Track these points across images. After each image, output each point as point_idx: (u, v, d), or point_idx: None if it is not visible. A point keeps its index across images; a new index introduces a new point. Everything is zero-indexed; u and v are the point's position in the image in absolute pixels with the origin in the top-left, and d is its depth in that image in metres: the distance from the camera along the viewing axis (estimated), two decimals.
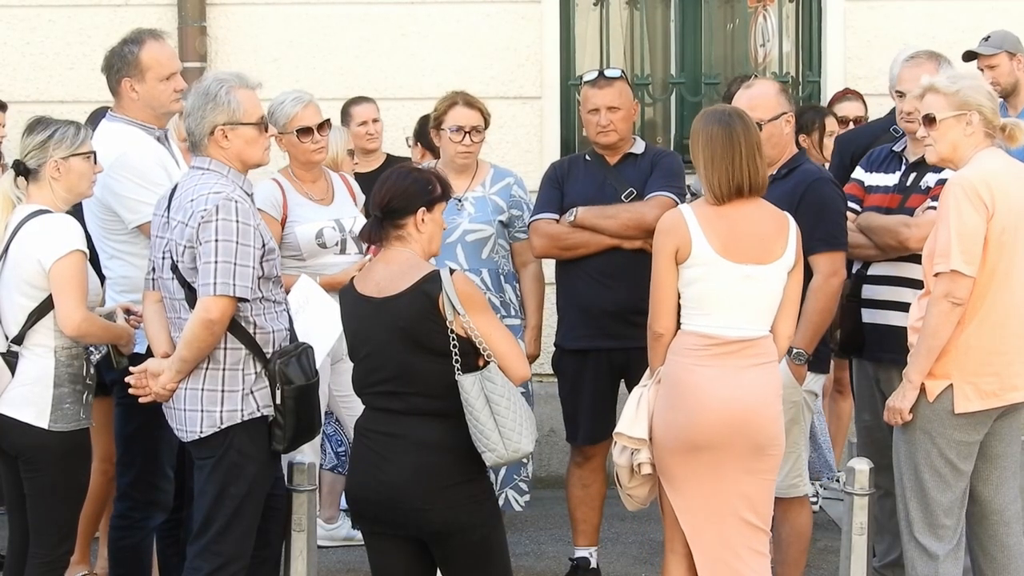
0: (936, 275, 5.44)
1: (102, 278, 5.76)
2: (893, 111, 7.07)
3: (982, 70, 7.39)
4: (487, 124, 6.86)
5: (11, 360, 5.40)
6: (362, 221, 6.39)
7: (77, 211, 5.75)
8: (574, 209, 6.54)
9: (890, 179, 6.19)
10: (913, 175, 6.12)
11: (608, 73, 6.72)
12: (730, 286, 5.22)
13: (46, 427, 5.39)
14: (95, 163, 5.54)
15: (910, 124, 6.10)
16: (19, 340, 5.41)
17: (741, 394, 5.22)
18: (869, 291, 6.16)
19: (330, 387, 6.46)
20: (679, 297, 5.29)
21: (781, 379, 5.41)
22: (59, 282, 5.34)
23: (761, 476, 5.31)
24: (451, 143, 6.77)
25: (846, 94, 8.14)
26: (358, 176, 7.36)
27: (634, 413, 5.31)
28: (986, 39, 7.49)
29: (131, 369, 5.40)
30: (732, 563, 5.30)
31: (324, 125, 6.58)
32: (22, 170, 5.48)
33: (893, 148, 6.27)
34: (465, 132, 6.75)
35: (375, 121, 8.20)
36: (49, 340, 5.42)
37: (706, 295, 5.24)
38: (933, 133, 5.57)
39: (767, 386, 5.29)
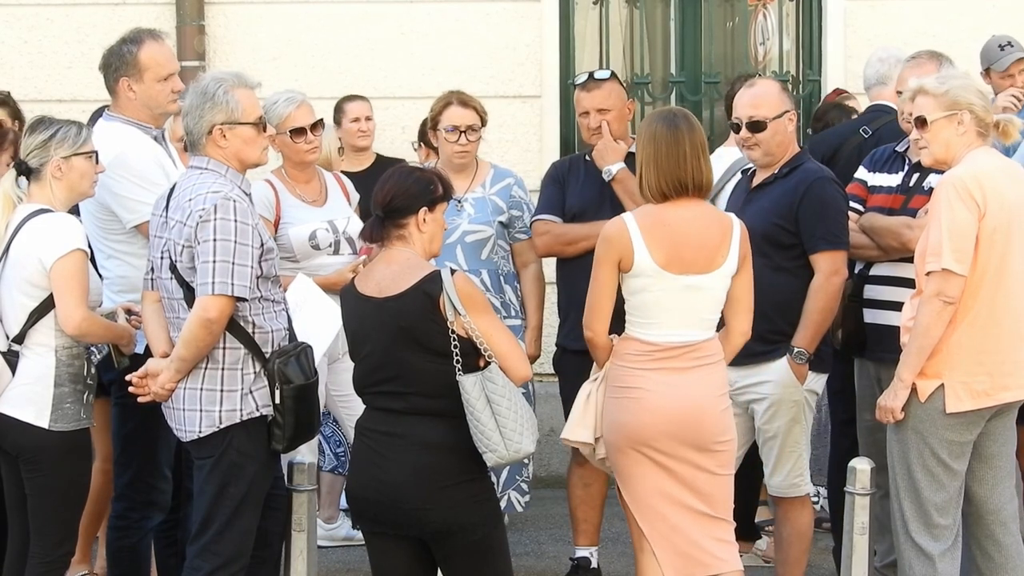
0: (928, 274, 5.44)
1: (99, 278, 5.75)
2: (866, 111, 7.11)
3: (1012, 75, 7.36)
4: (484, 123, 6.85)
5: (12, 359, 5.40)
6: (355, 221, 6.41)
7: (73, 211, 5.73)
8: (615, 167, 6.50)
9: (893, 179, 6.18)
10: (916, 176, 6.10)
11: (597, 75, 6.73)
12: (672, 296, 5.23)
13: (46, 427, 5.39)
14: (97, 163, 5.54)
15: (911, 125, 6.08)
16: (20, 339, 5.41)
17: (682, 394, 5.23)
18: (871, 291, 6.15)
19: (327, 387, 6.44)
20: (622, 303, 5.31)
21: (726, 377, 5.39)
22: (60, 281, 5.34)
23: (714, 471, 5.30)
24: (447, 143, 6.77)
25: (839, 94, 8.14)
26: (348, 175, 7.34)
27: (580, 415, 5.36)
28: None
29: (129, 377, 5.38)
30: (694, 554, 5.30)
31: (317, 125, 6.56)
32: (24, 169, 5.48)
33: (896, 148, 6.25)
34: (460, 132, 6.74)
35: (368, 119, 8.19)
36: (50, 339, 5.41)
37: (648, 305, 5.25)
38: (926, 135, 5.57)
39: (710, 386, 5.29)
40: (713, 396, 5.30)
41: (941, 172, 5.68)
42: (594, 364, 5.45)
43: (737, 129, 6.11)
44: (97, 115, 6.13)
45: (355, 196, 6.72)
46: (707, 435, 5.26)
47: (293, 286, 6.11)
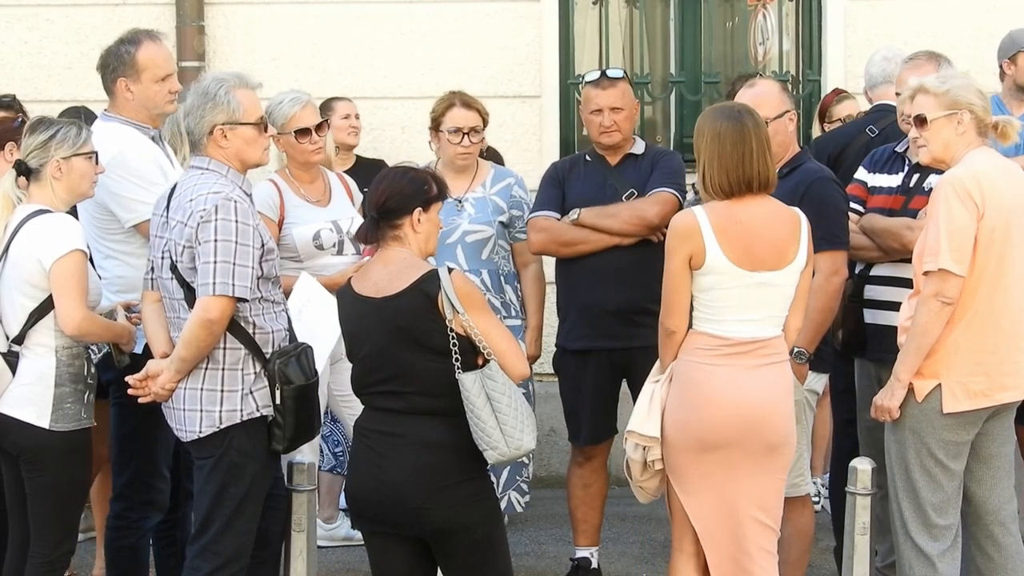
0: (926, 274, 5.43)
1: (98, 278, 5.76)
2: (872, 111, 7.10)
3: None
4: (486, 124, 6.86)
5: (12, 360, 5.41)
6: (359, 221, 6.41)
7: (71, 212, 5.74)
8: (576, 210, 6.52)
9: (893, 180, 6.17)
10: (916, 176, 6.10)
11: (611, 73, 6.69)
12: (744, 292, 5.20)
13: (47, 427, 5.39)
14: (96, 163, 5.54)
15: (909, 125, 6.08)
16: (20, 340, 5.42)
17: (752, 392, 5.21)
18: (871, 292, 6.15)
19: (330, 387, 6.44)
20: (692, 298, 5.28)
21: (792, 377, 5.39)
22: (59, 281, 5.34)
23: (773, 475, 5.29)
24: (449, 144, 6.77)
25: (837, 94, 8.13)
26: None
27: (647, 410, 5.29)
28: None
29: (129, 379, 5.38)
30: (743, 562, 5.28)
31: (322, 126, 6.58)
32: (23, 170, 5.48)
33: (896, 148, 6.25)
34: (464, 133, 6.74)
35: (356, 116, 8.19)
36: (50, 340, 5.42)
37: (719, 300, 5.22)
38: (925, 134, 5.56)
39: (778, 384, 5.28)
40: (782, 395, 5.28)
41: (941, 172, 5.68)
42: (656, 365, 5.39)
43: None
44: (71, 112, 6.15)
45: (359, 196, 6.72)
46: (776, 435, 5.24)
47: (297, 286, 6.12)
